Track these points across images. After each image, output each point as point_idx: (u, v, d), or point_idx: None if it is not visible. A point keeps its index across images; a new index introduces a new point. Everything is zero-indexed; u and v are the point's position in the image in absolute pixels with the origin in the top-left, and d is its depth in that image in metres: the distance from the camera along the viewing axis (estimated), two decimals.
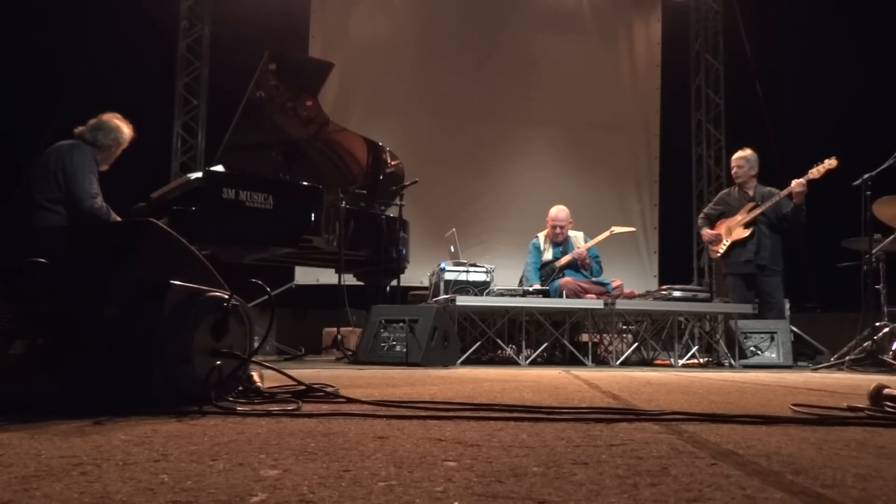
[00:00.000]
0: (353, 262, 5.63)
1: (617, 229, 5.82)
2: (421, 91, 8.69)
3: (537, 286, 5.47)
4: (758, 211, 5.61)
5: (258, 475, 0.82)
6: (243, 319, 1.64)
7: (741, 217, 5.71)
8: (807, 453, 1.02)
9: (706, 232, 5.90)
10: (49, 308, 1.51)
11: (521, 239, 6.17)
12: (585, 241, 5.82)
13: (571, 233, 5.90)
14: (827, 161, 5.28)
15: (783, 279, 5.78)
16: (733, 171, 5.92)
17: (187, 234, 1.75)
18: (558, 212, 5.83)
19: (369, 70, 8.66)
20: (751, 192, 5.78)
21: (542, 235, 5.93)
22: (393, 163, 5.79)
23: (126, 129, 4.14)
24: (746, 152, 5.88)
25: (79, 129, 4.09)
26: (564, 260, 5.66)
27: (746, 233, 5.63)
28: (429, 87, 8.71)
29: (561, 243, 5.82)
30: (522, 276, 5.99)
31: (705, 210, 6.19)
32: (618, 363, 5.06)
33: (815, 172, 5.32)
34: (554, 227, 5.80)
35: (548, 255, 5.81)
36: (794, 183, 5.37)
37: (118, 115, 4.17)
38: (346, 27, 8.79)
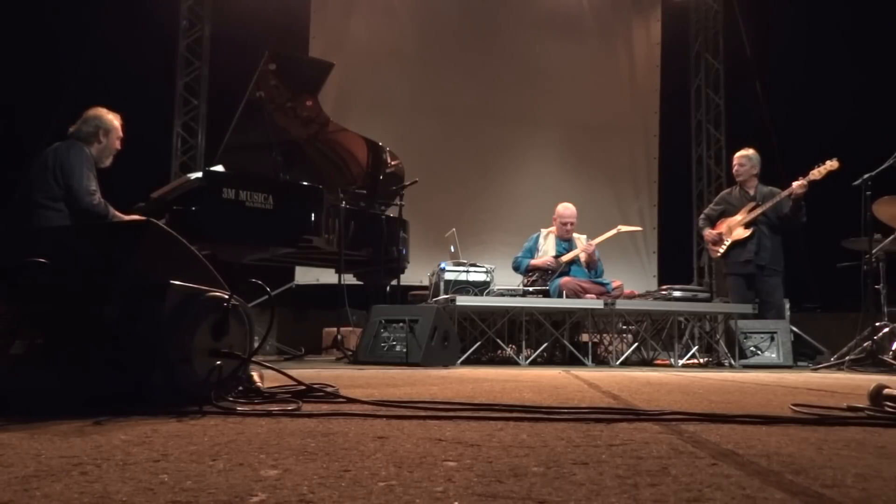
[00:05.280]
0: (354, 262, 5.62)
1: (624, 228, 5.83)
2: (421, 91, 8.69)
3: (535, 262, 5.63)
4: (758, 211, 5.60)
5: (258, 475, 0.82)
6: (243, 319, 1.64)
7: (742, 217, 5.70)
8: (807, 453, 1.02)
9: (708, 232, 5.88)
10: (49, 308, 1.51)
11: (521, 239, 6.16)
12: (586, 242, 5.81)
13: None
14: (829, 162, 5.28)
15: (783, 279, 5.77)
16: (734, 170, 5.91)
17: (187, 234, 1.75)
18: (566, 209, 5.80)
19: (369, 70, 8.65)
20: (751, 192, 5.78)
21: (544, 232, 5.91)
22: (393, 163, 5.79)
23: (109, 116, 4.12)
24: (748, 151, 5.88)
25: (70, 129, 4.10)
26: (570, 256, 5.63)
27: (747, 233, 5.63)
28: (429, 87, 8.71)
29: (567, 241, 5.81)
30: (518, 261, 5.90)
31: (706, 211, 6.18)
32: (618, 363, 5.06)
33: (817, 173, 5.32)
34: (564, 223, 5.76)
35: (550, 253, 5.79)
36: (795, 184, 5.37)
37: (102, 108, 4.17)
38: (347, 27, 8.79)
